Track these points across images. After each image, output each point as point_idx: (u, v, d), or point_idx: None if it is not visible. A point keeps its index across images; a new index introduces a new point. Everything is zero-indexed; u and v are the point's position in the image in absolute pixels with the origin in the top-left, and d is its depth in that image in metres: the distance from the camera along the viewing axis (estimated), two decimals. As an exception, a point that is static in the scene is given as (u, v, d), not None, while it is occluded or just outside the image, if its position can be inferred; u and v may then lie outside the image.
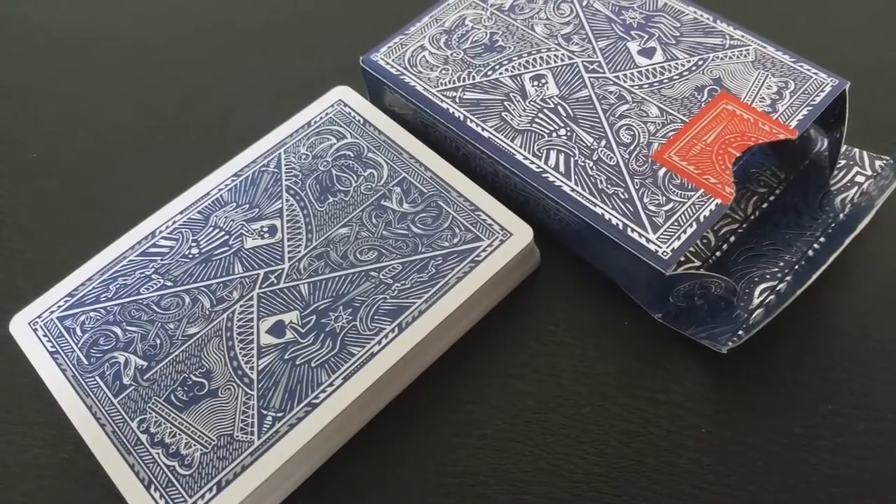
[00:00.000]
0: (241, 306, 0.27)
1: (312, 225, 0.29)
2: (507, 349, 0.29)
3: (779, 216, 0.32)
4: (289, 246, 0.29)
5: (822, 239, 0.30)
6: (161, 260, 0.29)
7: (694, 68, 0.32)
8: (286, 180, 0.31)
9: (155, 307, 0.27)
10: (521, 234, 0.28)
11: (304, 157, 0.31)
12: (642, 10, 0.34)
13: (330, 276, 0.28)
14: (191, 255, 0.29)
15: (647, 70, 0.32)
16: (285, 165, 0.31)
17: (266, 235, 0.29)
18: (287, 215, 0.30)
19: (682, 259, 0.29)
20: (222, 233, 0.29)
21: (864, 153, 0.33)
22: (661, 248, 0.27)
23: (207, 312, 0.27)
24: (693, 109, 0.31)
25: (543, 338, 0.29)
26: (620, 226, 0.28)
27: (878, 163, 0.32)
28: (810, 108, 0.30)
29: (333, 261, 0.28)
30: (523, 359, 0.29)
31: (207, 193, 0.30)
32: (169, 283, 0.28)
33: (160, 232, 0.29)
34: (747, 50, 0.32)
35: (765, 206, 0.32)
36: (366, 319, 0.26)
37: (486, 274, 0.27)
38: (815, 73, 0.31)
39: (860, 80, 0.33)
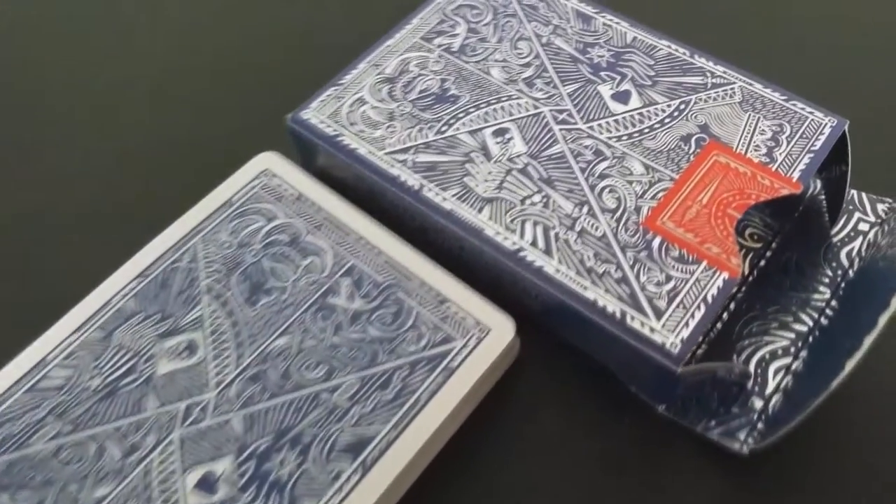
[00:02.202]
0: (159, 455, 0.22)
1: (243, 336, 0.24)
2: (488, 465, 0.25)
3: (780, 276, 0.28)
4: (214, 367, 0.24)
5: (833, 303, 0.27)
6: (56, 397, 0.23)
7: (676, 114, 0.28)
8: (205, 278, 0.25)
9: (52, 462, 0.22)
10: (501, 328, 0.24)
11: (225, 245, 0.26)
12: (610, 47, 0.30)
13: (270, 405, 0.23)
14: (92, 388, 0.23)
15: (624, 118, 0.28)
16: (203, 259, 0.26)
17: (184, 355, 0.24)
18: (209, 325, 0.24)
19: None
20: (129, 354, 0.24)
21: (864, 195, 0.30)
22: (668, 338, 0.23)
23: (118, 466, 0.22)
24: (681, 164, 0.27)
25: (530, 446, 0.25)
26: (618, 313, 0.24)
27: (880, 206, 0.29)
28: (811, 154, 0.27)
29: (273, 383, 0.23)
30: (507, 477, 0.25)
31: (108, 302, 0.25)
32: (68, 428, 0.22)
33: (52, 359, 0.24)
34: (733, 89, 0.29)
35: (762, 263, 0.29)
36: (320, 460, 0.22)
37: (463, 385, 0.23)
38: (811, 113, 0.28)
39: (844, 109, 0.30)
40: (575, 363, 0.27)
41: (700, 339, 0.23)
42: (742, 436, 0.24)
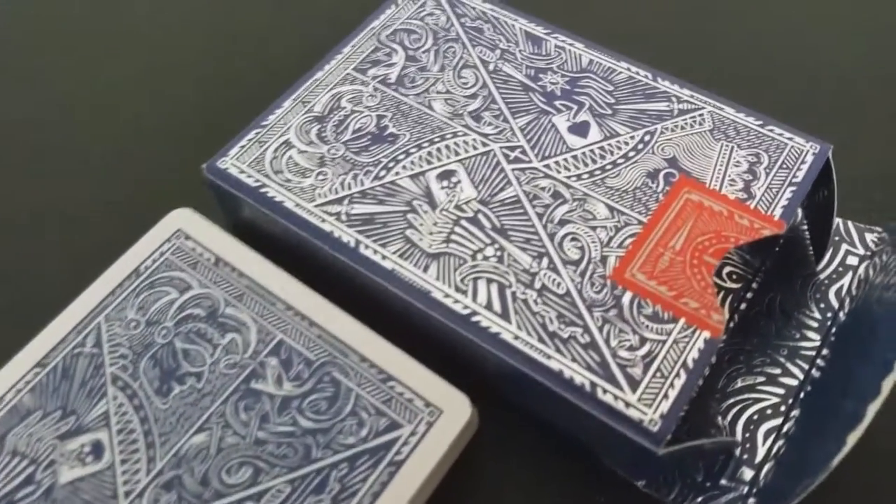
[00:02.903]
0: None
1: (154, 435, 0.21)
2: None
3: (763, 321, 0.26)
4: (123, 473, 0.20)
5: (825, 351, 0.25)
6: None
7: (641, 146, 0.26)
8: (111, 365, 0.22)
9: None
10: (455, 408, 0.21)
11: (132, 325, 0.23)
12: (564, 72, 0.28)
13: (187, 518, 0.20)
14: (-28, 511, 0.20)
15: (583, 154, 0.26)
16: (108, 342, 0.23)
17: (89, 459, 0.21)
18: (117, 422, 0.21)
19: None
20: (25, 462, 0.21)
21: (850, 224, 0.27)
22: (645, 414, 0.20)
23: None
24: (650, 204, 0.24)
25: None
26: (587, 385, 0.21)
27: (869, 236, 0.27)
28: (793, 187, 0.25)
29: (190, 491, 0.20)
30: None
31: (0, 399, 0.22)
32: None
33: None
34: (702, 115, 0.27)
35: (743, 307, 0.26)
36: (247, 585, 0.19)
37: (413, 481, 0.20)
38: (790, 139, 0.26)
39: (818, 129, 0.28)
40: (542, 436, 0.24)
41: (682, 412, 0.21)
42: (733, 515, 0.22)
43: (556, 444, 0.24)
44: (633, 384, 0.21)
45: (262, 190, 0.26)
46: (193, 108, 0.33)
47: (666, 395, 0.21)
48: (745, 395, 0.24)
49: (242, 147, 0.27)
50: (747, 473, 0.23)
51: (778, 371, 0.25)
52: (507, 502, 0.23)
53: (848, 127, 0.31)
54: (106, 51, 0.35)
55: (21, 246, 0.29)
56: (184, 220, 0.25)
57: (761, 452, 0.23)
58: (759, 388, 0.24)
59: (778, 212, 0.24)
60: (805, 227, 0.28)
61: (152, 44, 0.35)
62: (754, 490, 0.22)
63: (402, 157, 0.26)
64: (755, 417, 0.24)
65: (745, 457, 0.23)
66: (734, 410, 0.24)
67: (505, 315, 0.23)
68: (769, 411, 0.24)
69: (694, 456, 0.22)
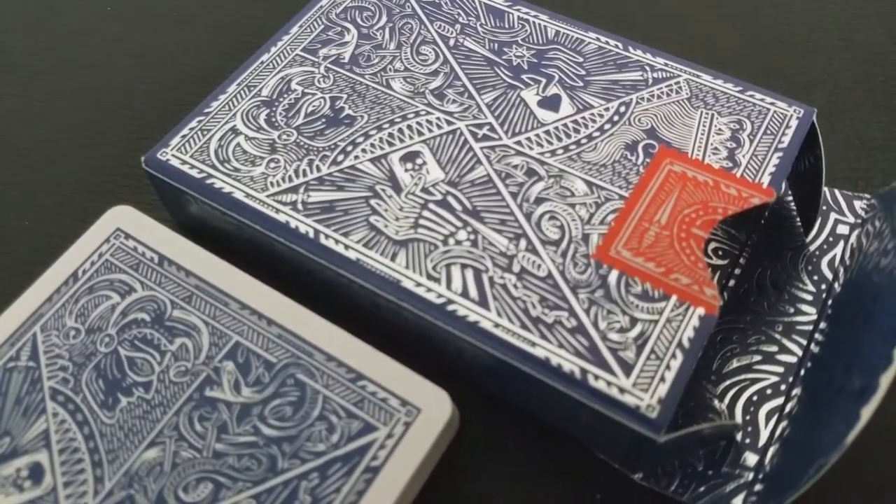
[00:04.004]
0: None
1: (101, 452, 0.19)
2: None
3: (755, 297, 0.25)
4: (67, 497, 0.19)
5: (822, 325, 0.24)
6: None
7: (616, 118, 0.25)
8: (49, 379, 0.20)
9: None
10: (435, 405, 0.20)
11: (72, 334, 0.21)
12: (530, 45, 0.27)
13: (141, 544, 0.18)
14: None
15: (555, 129, 0.25)
16: (45, 353, 0.21)
17: (27, 484, 0.19)
18: (58, 441, 0.20)
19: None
20: (-52, 494, 0.19)
21: (837, 192, 0.27)
22: (642, 399, 0.19)
23: None
24: (630, 178, 0.23)
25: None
26: (577, 372, 0.20)
27: (858, 203, 0.27)
28: (780, 153, 0.24)
29: (143, 513, 0.18)
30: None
31: (-83, 425, 0.20)
32: None
33: None
34: (678, 83, 0.26)
35: (731, 283, 0.25)
36: None
37: (393, 487, 0.19)
38: (772, 104, 0.25)
39: (796, 94, 0.27)
40: (529, 432, 0.23)
41: (687, 389, 0.20)
42: (738, 502, 0.21)
43: (546, 440, 0.23)
44: (627, 368, 0.20)
45: (209, 181, 0.24)
46: (127, 98, 0.31)
47: (663, 378, 0.20)
48: (742, 376, 0.24)
49: (184, 136, 0.25)
50: (751, 458, 0.22)
51: (775, 349, 0.24)
52: (494, 506, 0.22)
53: (823, 95, 0.30)
54: (32, 35, 0.33)
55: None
56: (123, 218, 0.23)
57: (764, 435, 0.22)
58: (757, 367, 0.24)
59: (766, 179, 0.24)
60: (790, 198, 0.27)
61: (83, 29, 0.34)
62: (760, 476, 0.21)
63: (360, 139, 0.25)
64: (755, 399, 0.23)
65: (748, 441, 0.22)
66: (731, 392, 0.23)
67: (483, 302, 0.21)
68: (769, 391, 0.23)
69: (695, 443, 0.21)
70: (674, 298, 0.21)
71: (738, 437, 0.22)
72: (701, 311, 0.21)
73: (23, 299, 0.22)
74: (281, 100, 0.26)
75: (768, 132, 0.25)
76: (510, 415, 0.23)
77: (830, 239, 0.26)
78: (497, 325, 0.21)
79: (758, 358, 0.24)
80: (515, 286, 0.22)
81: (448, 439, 0.22)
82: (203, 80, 0.29)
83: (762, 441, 0.22)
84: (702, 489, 0.22)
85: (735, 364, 0.24)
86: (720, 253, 0.26)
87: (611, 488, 0.22)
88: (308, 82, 0.26)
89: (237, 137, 0.25)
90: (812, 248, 0.26)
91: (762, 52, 0.32)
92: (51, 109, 0.31)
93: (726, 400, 0.23)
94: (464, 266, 0.22)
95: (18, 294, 0.23)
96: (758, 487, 0.21)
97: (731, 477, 0.22)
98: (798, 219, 0.27)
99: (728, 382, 0.23)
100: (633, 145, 0.24)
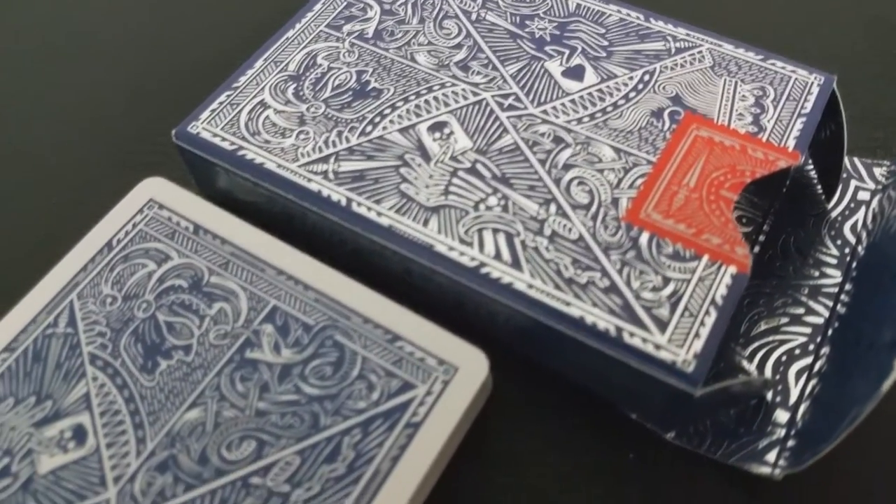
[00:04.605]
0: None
1: (142, 414, 0.19)
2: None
3: (780, 262, 0.25)
4: (110, 458, 0.19)
5: (848, 287, 0.24)
6: None
7: (641, 87, 0.25)
8: (88, 344, 0.21)
9: None
10: (472, 364, 0.20)
11: (109, 301, 0.21)
12: (552, 17, 0.27)
13: (186, 500, 0.18)
14: (-58, 510, 0.18)
15: (580, 98, 0.25)
16: (83, 320, 0.21)
17: (70, 445, 0.19)
18: (99, 404, 0.20)
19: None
20: (-4, 455, 0.19)
21: (856, 160, 0.27)
22: (678, 355, 0.20)
23: None
24: (657, 143, 0.24)
25: (522, 502, 0.21)
26: (611, 330, 0.20)
27: (878, 171, 0.27)
28: (803, 118, 0.24)
29: (187, 470, 0.19)
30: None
31: (-38, 390, 0.20)
32: None
33: None
34: (700, 52, 0.26)
35: (757, 249, 0.26)
36: (261, 565, 0.17)
37: (434, 442, 0.19)
38: (793, 72, 0.26)
39: (813, 64, 0.28)
40: (561, 394, 0.23)
41: (717, 351, 0.20)
42: (771, 458, 0.21)
43: (578, 403, 0.23)
44: (661, 325, 0.20)
45: (240, 153, 0.24)
46: (150, 77, 0.31)
47: (697, 335, 0.20)
48: (770, 338, 0.24)
49: (213, 110, 0.26)
50: (782, 416, 0.22)
51: (801, 311, 0.24)
52: (531, 466, 0.22)
53: (840, 68, 0.31)
54: (68, 13, 0.34)
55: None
56: (156, 189, 0.24)
57: (794, 393, 0.22)
58: (784, 329, 0.24)
59: (790, 143, 0.24)
60: (811, 166, 0.27)
61: (109, 7, 0.34)
62: (792, 432, 0.22)
63: (388, 111, 0.25)
64: (783, 359, 0.23)
65: (778, 399, 0.22)
66: (760, 354, 0.24)
67: (516, 264, 0.22)
68: (797, 351, 0.23)
69: (728, 399, 0.22)
70: (705, 258, 0.21)
71: (769, 395, 0.23)
72: (733, 269, 0.21)
73: (58, 269, 0.22)
74: (307, 74, 0.26)
75: (791, 98, 0.25)
76: (542, 378, 0.23)
77: (852, 205, 0.26)
78: (531, 286, 0.21)
79: (785, 320, 0.24)
80: (547, 248, 0.22)
81: (482, 401, 0.22)
82: (226, 61, 0.29)
83: (793, 399, 0.22)
84: (734, 447, 0.22)
85: (763, 326, 0.24)
86: (744, 220, 0.26)
87: (643, 448, 0.22)
88: (333, 57, 0.27)
89: (266, 111, 0.25)
90: (834, 214, 0.26)
91: (778, 26, 0.32)
92: (75, 89, 0.31)
93: (755, 361, 0.23)
94: (495, 230, 0.22)
95: (50, 268, 0.23)
96: (791, 443, 0.21)
97: (763, 434, 0.22)
98: (819, 186, 0.27)
99: (756, 344, 0.24)
100: (658, 112, 0.25)
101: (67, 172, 0.29)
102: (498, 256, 0.22)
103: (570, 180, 0.23)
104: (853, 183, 0.27)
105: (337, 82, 0.26)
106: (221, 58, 0.31)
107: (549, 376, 0.23)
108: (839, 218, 0.26)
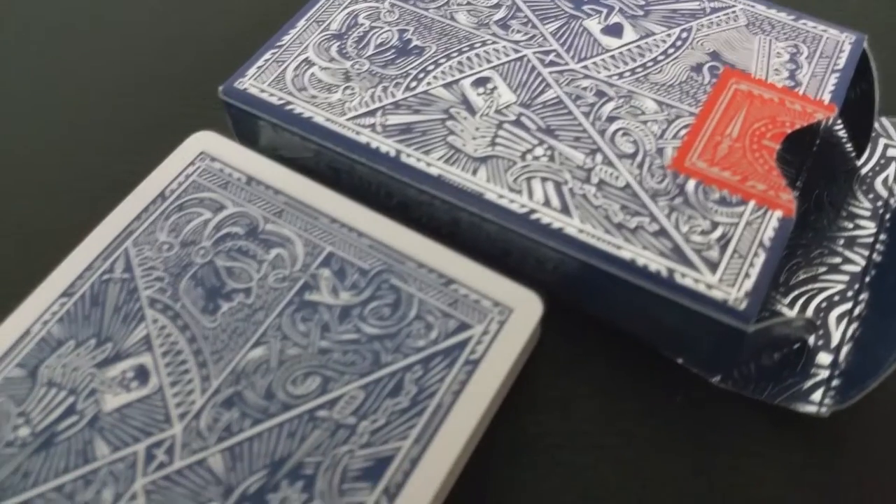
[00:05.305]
0: (119, 516, 0.17)
1: (205, 353, 0.20)
2: (521, 475, 0.21)
3: (815, 215, 0.26)
4: (175, 396, 0.19)
5: (882, 236, 0.25)
6: (-36, 462, 0.18)
7: (679, 43, 0.25)
8: (145, 289, 0.21)
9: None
10: (526, 306, 0.21)
11: (166, 247, 0.22)
12: (589, -22, 0.27)
13: (254, 433, 0.18)
14: (19, 442, 0.18)
15: (621, 54, 0.25)
16: (139, 266, 0.21)
17: (134, 385, 0.19)
18: (160, 345, 0.20)
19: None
20: (63, 393, 0.19)
21: (885, 120, 0.28)
22: (729, 293, 0.20)
23: (64, 539, 0.17)
24: (698, 96, 0.24)
25: (571, 445, 0.22)
26: (663, 271, 0.20)
27: (905, 130, 0.27)
28: (837, 73, 0.25)
29: (253, 406, 0.19)
30: (551, 485, 0.21)
31: (26, 332, 0.20)
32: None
33: (-46, 414, 0.19)
34: (734, 12, 0.26)
35: (790, 205, 0.26)
36: (330, 493, 0.18)
37: (493, 378, 0.19)
38: (825, 31, 0.26)
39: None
40: (606, 342, 0.23)
41: (768, 290, 0.20)
42: (817, 397, 0.22)
43: (623, 349, 0.23)
44: (712, 266, 0.21)
45: (288, 107, 0.25)
46: (190, 41, 0.32)
47: (747, 274, 0.21)
48: (809, 286, 0.24)
49: (259, 67, 0.26)
50: (825, 358, 0.22)
51: (838, 260, 0.25)
52: (579, 410, 0.22)
53: (871, 32, 0.31)
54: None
55: (29, 176, 0.27)
56: (207, 142, 0.24)
57: (836, 337, 0.23)
58: (822, 277, 0.24)
59: (826, 97, 0.24)
60: (840, 125, 0.28)
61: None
62: (836, 372, 0.22)
63: (431, 67, 0.25)
64: (823, 305, 0.24)
65: (821, 343, 0.23)
66: (800, 301, 0.24)
67: (565, 210, 0.22)
68: (836, 298, 0.24)
69: (774, 341, 0.22)
70: (752, 203, 0.22)
71: (811, 339, 0.23)
72: (779, 213, 0.22)
73: (111, 218, 0.23)
74: (350, 33, 0.26)
75: (824, 55, 0.25)
76: (587, 327, 0.24)
77: (882, 161, 0.27)
78: (581, 231, 0.22)
79: (823, 269, 0.24)
80: (595, 196, 0.22)
81: (532, 346, 0.22)
82: (269, 20, 0.29)
83: (834, 342, 0.23)
84: (779, 388, 0.22)
85: (802, 276, 0.24)
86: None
87: (690, 392, 0.23)
88: (374, 17, 0.27)
89: (311, 68, 0.26)
90: (864, 170, 0.27)
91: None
92: (114, 55, 0.31)
93: (796, 308, 0.24)
94: (543, 179, 0.23)
95: (101, 219, 0.23)
96: (835, 383, 0.22)
97: (807, 376, 0.22)
98: (849, 145, 0.27)
99: (796, 293, 0.24)
100: (698, 67, 0.25)
101: (110, 134, 0.29)
102: (547, 203, 0.22)
103: (615, 131, 0.23)
104: (882, 141, 0.27)
105: (379, 41, 0.26)
106: (261, 21, 0.32)
107: (593, 325, 0.23)
108: (870, 174, 0.27)
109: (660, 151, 0.23)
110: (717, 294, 0.20)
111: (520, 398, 0.22)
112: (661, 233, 0.21)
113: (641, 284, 0.21)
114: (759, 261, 0.21)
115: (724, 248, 0.21)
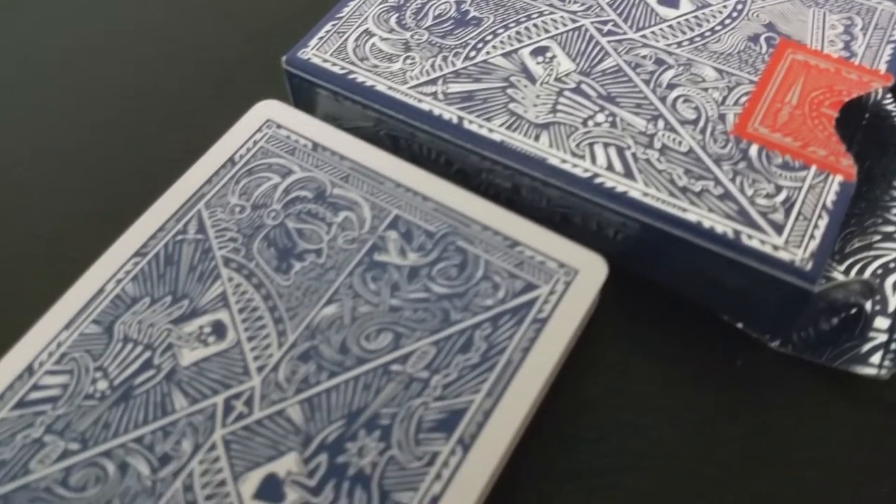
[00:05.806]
0: (200, 464, 0.18)
1: (280, 310, 0.20)
2: (585, 434, 0.21)
3: (867, 186, 0.26)
4: (252, 350, 0.19)
5: (936, 206, 0.25)
6: (52, 410, 0.19)
7: (735, 14, 0.26)
8: (220, 249, 0.21)
9: (61, 490, 0.17)
10: (591, 267, 0.21)
11: (237, 210, 0.22)
12: (643, -49, 0.27)
13: (331, 385, 0.19)
14: (98, 395, 0.19)
15: (678, 24, 0.25)
16: (213, 227, 0.22)
17: (211, 339, 0.20)
18: (237, 301, 0.20)
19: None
20: (140, 348, 0.19)
21: (935, 94, 0.27)
22: (796, 254, 0.20)
23: (149, 484, 0.17)
24: (757, 65, 0.24)
25: (632, 406, 0.22)
26: (729, 233, 0.21)
27: (951, 103, 0.27)
28: (893, 44, 0.25)
29: (329, 359, 0.19)
30: (614, 444, 0.21)
31: (101, 290, 0.21)
32: (75, 447, 0.18)
33: (40, 365, 0.19)
34: (789, -16, 0.26)
35: (842, 177, 0.26)
36: (407, 443, 0.18)
37: (561, 336, 0.19)
38: (879, 3, 0.26)
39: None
40: (665, 308, 0.24)
41: (832, 252, 0.20)
42: (876, 360, 0.22)
43: (682, 314, 0.23)
44: (778, 228, 0.21)
45: (351, 76, 0.25)
46: (250, 12, 0.32)
47: (812, 236, 0.21)
48: (865, 254, 0.24)
49: (321, 38, 0.26)
50: (883, 322, 0.22)
51: (892, 229, 0.25)
52: (638, 373, 0.23)
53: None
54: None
55: (104, 143, 0.28)
56: (272, 110, 0.24)
57: (893, 302, 0.23)
58: (877, 245, 0.24)
59: (882, 68, 0.24)
60: (889, 100, 0.28)
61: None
62: (895, 336, 0.22)
63: (490, 37, 0.26)
64: (879, 272, 0.24)
65: (878, 308, 0.23)
66: (855, 269, 0.24)
67: (629, 174, 0.22)
68: (892, 265, 0.24)
69: (835, 304, 0.22)
70: (814, 168, 0.22)
71: (868, 305, 0.23)
72: (840, 178, 0.22)
73: (183, 181, 0.23)
74: (408, 4, 0.27)
75: (878, 27, 0.25)
76: (646, 293, 0.24)
77: (929, 134, 0.27)
78: (646, 195, 0.22)
79: (877, 237, 0.24)
80: (659, 160, 0.22)
81: (593, 309, 0.22)
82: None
83: (892, 307, 0.23)
84: (837, 352, 0.22)
85: (857, 244, 0.24)
86: (827, 150, 0.27)
87: (750, 356, 0.23)
88: (432, -11, 0.27)
89: (372, 38, 0.26)
90: (917, 142, 0.27)
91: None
92: (176, 29, 0.32)
93: (852, 274, 0.24)
94: (606, 144, 0.23)
95: (167, 187, 0.23)
96: (894, 346, 0.22)
97: (865, 339, 0.22)
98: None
99: (852, 260, 0.24)
100: (755, 37, 0.25)
101: (177, 100, 0.29)
102: (610, 168, 0.22)
103: (676, 98, 0.24)
104: (929, 113, 0.27)
105: (437, 12, 0.26)
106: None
107: (652, 291, 0.24)
108: (923, 145, 0.26)
109: (721, 117, 0.23)
110: (783, 255, 0.20)
111: (580, 360, 0.22)
112: (726, 196, 0.21)
113: (707, 246, 0.21)
114: (823, 223, 0.21)
115: (788, 211, 0.21)
